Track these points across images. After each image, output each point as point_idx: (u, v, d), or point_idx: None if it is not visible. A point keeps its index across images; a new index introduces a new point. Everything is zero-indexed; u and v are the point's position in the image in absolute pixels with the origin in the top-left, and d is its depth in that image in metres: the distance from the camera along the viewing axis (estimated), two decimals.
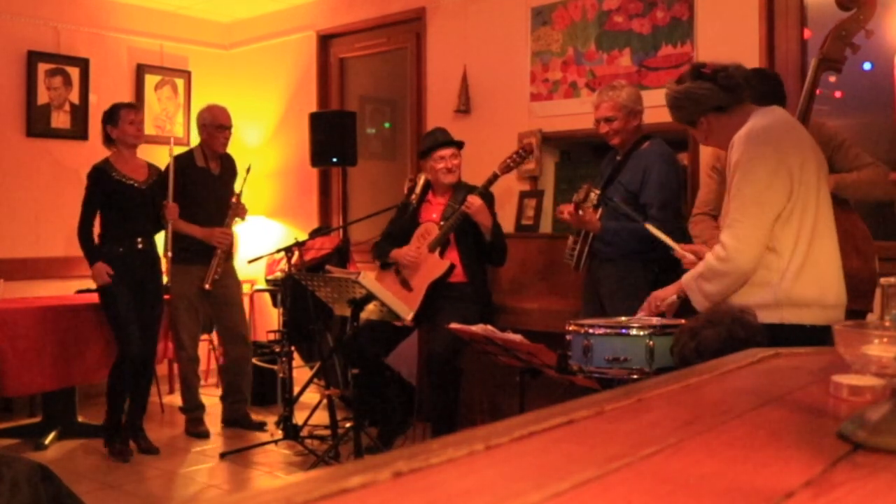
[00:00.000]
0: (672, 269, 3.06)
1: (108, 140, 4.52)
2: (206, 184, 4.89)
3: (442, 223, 4.31)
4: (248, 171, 4.95)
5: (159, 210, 4.55)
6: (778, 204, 2.44)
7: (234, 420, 5.06)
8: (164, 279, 4.76)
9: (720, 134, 2.61)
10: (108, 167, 4.46)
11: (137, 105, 4.63)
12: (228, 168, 5.06)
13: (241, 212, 4.95)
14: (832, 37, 3.03)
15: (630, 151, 3.76)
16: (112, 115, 4.49)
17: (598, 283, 3.73)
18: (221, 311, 5.02)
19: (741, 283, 2.50)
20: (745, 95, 2.62)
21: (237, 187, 5.00)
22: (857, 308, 2.64)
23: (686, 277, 2.63)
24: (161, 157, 4.88)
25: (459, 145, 4.44)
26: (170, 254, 4.61)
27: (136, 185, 4.49)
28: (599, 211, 3.61)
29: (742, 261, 2.45)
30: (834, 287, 2.53)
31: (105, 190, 4.43)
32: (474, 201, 4.15)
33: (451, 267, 4.27)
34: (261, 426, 5.01)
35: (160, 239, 4.66)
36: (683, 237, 3.39)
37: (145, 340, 4.56)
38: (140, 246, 4.51)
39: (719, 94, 2.59)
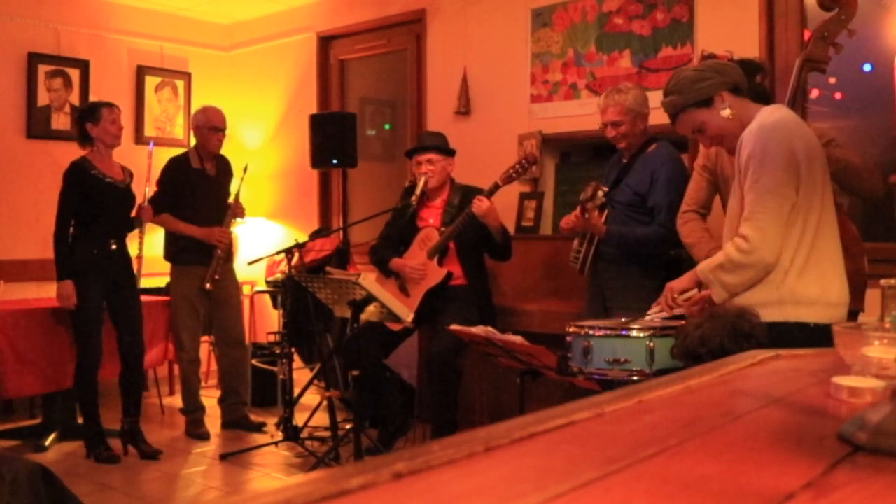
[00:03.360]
0: (679, 273, 3.05)
1: (85, 138, 4.43)
2: (203, 185, 4.89)
3: (442, 229, 4.30)
4: (244, 170, 4.96)
5: (132, 211, 4.52)
6: (792, 197, 2.43)
7: (234, 422, 5.06)
8: (165, 281, 4.76)
9: (737, 111, 2.58)
10: (87, 164, 4.39)
11: (110, 103, 4.52)
12: (224, 169, 5.05)
13: (239, 212, 4.95)
14: (815, 37, 3.03)
15: (637, 154, 3.75)
16: (93, 113, 4.42)
17: (603, 286, 3.72)
18: (219, 312, 5.02)
19: (763, 276, 2.47)
20: (753, 85, 2.63)
21: (234, 187, 4.99)
22: (849, 308, 2.65)
23: (703, 268, 2.59)
24: (159, 159, 4.89)
25: (440, 150, 4.40)
26: (142, 255, 4.58)
27: (115, 183, 4.44)
28: (605, 213, 3.59)
29: (766, 252, 2.43)
30: (836, 285, 2.53)
31: (83, 188, 4.35)
32: (482, 202, 4.09)
33: (449, 276, 4.26)
34: (260, 427, 5.01)
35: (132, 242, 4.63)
36: None
37: (131, 342, 4.52)
38: (113, 247, 4.45)
39: (740, 72, 2.62)
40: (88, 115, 4.45)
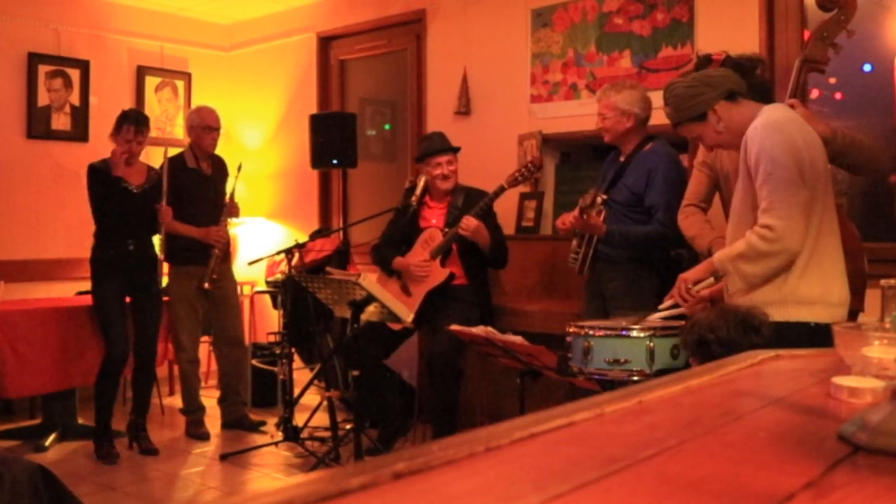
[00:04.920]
0: (679, 271, 3.05)
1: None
2: (199, 184, 4.90)
3: (446, 230, 4.30)
4: (239, 169, 4.95)
5: (154, 213, 4.52)
6: (804, 188, 2.43)
7: (234, 422, 5.06)
8: (165, 281, 4.76)
9: (731, 123, 2.58)
10: (106, 168, 4.44)
11: (143, 122, 4.47)
12: (220, 168, 5.06)
13: (234, 211, 4.95)
14: (813, 38, 3.04)
15: (634, 153, 3.76)
16: (118, 122, 4.45)
17: (601, 286, 3.72)
18: (217, 312, 5.03)
19: (786, 265, 2.46)
20: (752, 82, 2.62)
21: (229, 187, 5.00)
22: (849, 308, 2.65)
23: (720, 257, 2.57)
24: (158, 159, 4.89)
25: (456, 151, 4.43)
26: (162, 255, 4.60)
27: (130, 188, 4.47)
28: (603, 213, 3.60)
29: (792, 241, 2.42)
30: (838, 285, 2.54)
31: (101, 189, 4.41)
32: (469, 224, 4.12)
33: (451, 276, 4.27)
34: (260, 426, 5.02)
35: (156, 241, 4.64)
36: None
37: (145, 343, 4.56)
38: (131, 248, 4.49)
39: (734, 78, 2.61)
40: (117, 121, 4.46)
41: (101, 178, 4.43)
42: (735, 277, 2.51)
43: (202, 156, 4.96)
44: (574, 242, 3.73)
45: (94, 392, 4.54)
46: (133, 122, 4.44)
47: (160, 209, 4.52)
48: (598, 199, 3.53)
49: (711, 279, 2.66)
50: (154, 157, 4.96)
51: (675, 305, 2.80)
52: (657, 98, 3.23)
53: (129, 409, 4.74)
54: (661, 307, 2.89)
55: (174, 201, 4.75)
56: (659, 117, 3.77)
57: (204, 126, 4.92)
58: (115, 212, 4.43)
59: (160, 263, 4.60)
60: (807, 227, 2.44)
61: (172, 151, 4.85)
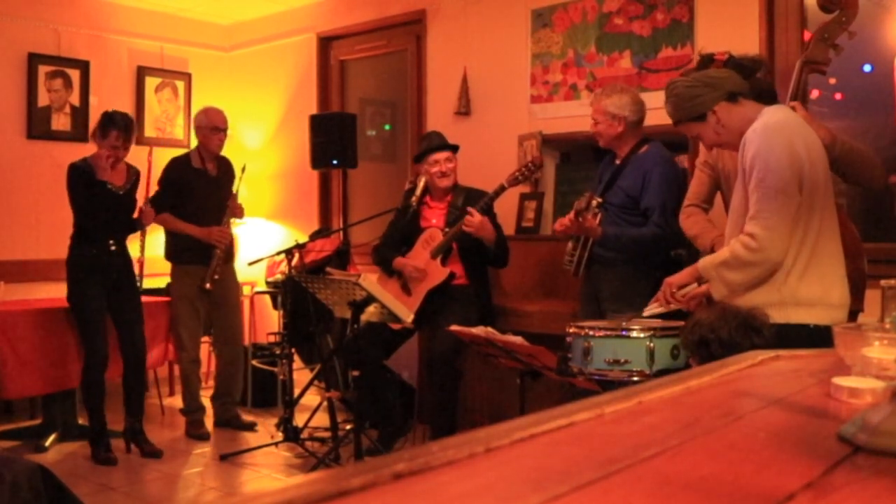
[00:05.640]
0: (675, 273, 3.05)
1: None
2: (203, 185, 4.89)
3: (446, 230, 4.31)
4: (243, 170, 4.97)
5: (134, 213, 4.51)
6: (797, 196, 2.44)
7: (226, 420, 5.07)
8: (165, 281, 4.76)
9: (731, 125, 2.59)
10: (88, 168, 4.38)
11: (131, 129, 4.40)
12: (225, 169, 5.06)
13: (238, 212, 4.95)
14: (815, 39, 3.04)
15: (629, 155, 3.76)
16: (104, 127, 4.35)
17: (597, 288, 3.72)
18: (218, 312, 5.03)
19: (767, 275, 2.48)
20: (754, 82, 2.63)
21: (233, 188, 5.00)
22: (849, 308, 2.65)
23: (704, 263, 2.59)
24: (160, 159, 4.89)
25: (454, 149, 4.44)
26: (140, 254, 4.59)
27: (114, 189, 4.44)
28: (599, 216, 3.60)
29: (774, 251, 2.44)
30: (838, 286, 2.54)
31: (86, 190, 4.36)
32: (474, 218, 4.12)
33: (451, 276, 4.28)
34: (251, 426, 5.02)
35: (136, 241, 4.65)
36: (685, 239, 3.39)
37: (133, 342, 4.53)
38: (112, 248, 4.48)
39: (735, 79, 2.61)
40: (102, 124, 4.37)
41: (84, 179, 4.35)
42: (719, 284, 2.53)
43: (208, 157, 4.96)
44: (569, 245, 3.74)
45: (82, 397, 4.52)
46: (122, 129, 4.36)
47: (143, 210, 4.52)
48: (594, 202, 3.54)
49: (695, 284, 2.68)
50: (157, 156, 4.92)
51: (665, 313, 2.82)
52: (657, 99, 3.23)
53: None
54: (646, 310, 2.90)
55: (178, 201, 4.75)
56: (655, 118, 3.78)
57: (211, 127, 4.93)
58: (100, 213, 4.39)
59: (133, 263, 4.59)
60: (791, 236, 2.45)
61: (175, 152, 4.84)
